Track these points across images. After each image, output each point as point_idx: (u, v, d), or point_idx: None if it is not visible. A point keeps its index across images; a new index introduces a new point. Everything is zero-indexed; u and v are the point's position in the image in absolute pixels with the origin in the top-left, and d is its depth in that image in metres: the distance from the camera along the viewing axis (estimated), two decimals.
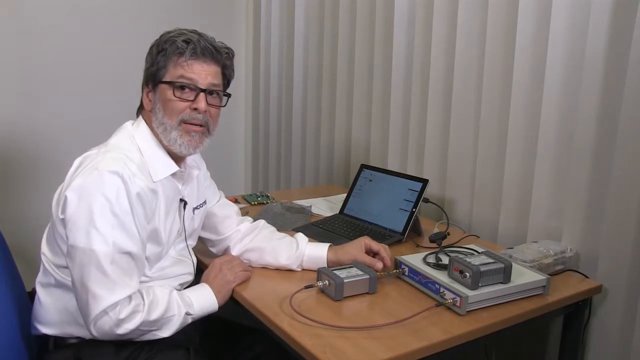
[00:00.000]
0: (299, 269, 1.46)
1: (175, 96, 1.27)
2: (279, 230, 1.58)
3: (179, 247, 1.39)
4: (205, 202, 1.48)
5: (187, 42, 1.27)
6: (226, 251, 1.52)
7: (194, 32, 1.31)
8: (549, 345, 1.66)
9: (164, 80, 1.28)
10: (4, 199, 2.45)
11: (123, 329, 1.17)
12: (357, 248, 1.44)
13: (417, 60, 1.99)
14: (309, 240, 1.50)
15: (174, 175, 1.32)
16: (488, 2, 1.71)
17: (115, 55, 2.59)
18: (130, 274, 1.20)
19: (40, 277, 1.30)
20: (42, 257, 1.29)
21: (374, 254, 1.44)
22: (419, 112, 2.02)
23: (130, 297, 1.18)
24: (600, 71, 1.44)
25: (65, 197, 1.17)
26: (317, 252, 1.45)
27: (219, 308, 1.32)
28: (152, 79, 1.30)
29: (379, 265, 1.39)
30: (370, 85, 2.23)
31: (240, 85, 3.09)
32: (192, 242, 1.46)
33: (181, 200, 1.36)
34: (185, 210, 1.38)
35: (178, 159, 1.35)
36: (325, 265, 1.42)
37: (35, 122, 2.47)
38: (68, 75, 2.52)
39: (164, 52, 1.28)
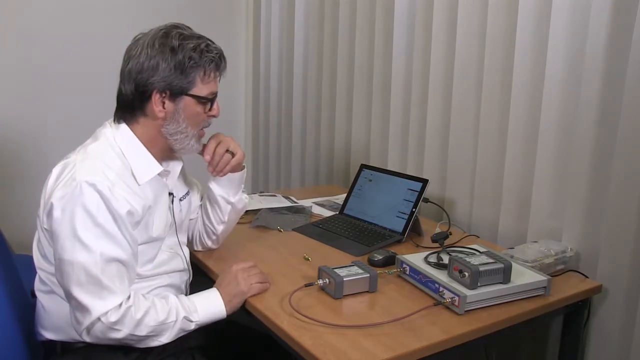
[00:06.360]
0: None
1: (204, 111, 1.29)
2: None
3: (171, 241, 1.38)
4: (189, 193, 1.48)
5: (220, 57, 1.28)
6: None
7: (211, 41, 1.29)
8: (549, 345, 1.66)
9: (191, 93, 1.26)
10: (5, 198, 2.45)
11: (116, 333, 1.16)
12: None
13: (417, 60, 1.99)
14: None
15: (159, 173, 1.32)
16: (488, 2, 1.71)
17: (114, 55, 2.55)
18: (121, 279, 1.19)
19: (37, 285, 1.29)
20: (36, 266, 1.28)
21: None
22: (419, 112, 2.02)
23: (120, 304, 1.17)
24: (600, 71, 1.44)
25: (49, 209, 1.16)
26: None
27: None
28: (174, 88, 1.24)
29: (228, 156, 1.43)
30: (370, 85, 2.23)
31: (240, 85, 3.09)
32: (183, 237, 1.45)
33: (170, 194, 1.36)
34: (174, 203, 1.38)
35: (165, 157, 1.35)
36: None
37: (35, 122, 2.47)
38: (68, 75, 2.52)
39: (193, 62, 1.23)
